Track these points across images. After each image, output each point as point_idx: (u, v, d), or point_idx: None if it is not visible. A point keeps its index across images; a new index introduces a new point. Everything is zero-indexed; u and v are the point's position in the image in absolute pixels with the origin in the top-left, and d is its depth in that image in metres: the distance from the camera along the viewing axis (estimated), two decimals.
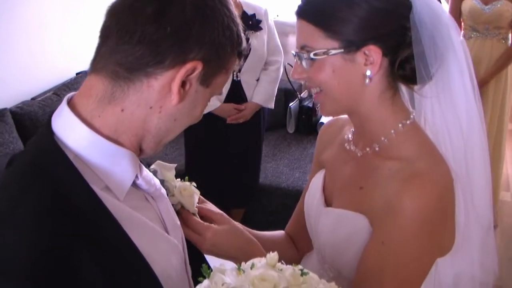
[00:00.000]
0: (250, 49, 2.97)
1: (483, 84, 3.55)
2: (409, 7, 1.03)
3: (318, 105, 1.16)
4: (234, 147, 3.16)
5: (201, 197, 1.15)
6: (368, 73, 1.03)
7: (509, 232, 3.84)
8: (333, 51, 1.02)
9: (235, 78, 3.02)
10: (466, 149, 1.12)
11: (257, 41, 3.01)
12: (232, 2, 0.88)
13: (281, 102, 4.28)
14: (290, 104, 4.22)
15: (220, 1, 0.85)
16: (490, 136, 3.67)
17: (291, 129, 4.27)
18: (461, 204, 1.11)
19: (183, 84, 0.83)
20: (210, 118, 2.87)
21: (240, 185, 3.26)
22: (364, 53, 1.02)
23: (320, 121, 4.19)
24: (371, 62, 1.02)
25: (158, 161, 1.09)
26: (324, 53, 1.02)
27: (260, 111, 3.19)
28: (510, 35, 3.61)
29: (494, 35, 3.57)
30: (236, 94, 3.04)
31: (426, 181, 1.01)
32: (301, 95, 4.33)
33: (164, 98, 0.83)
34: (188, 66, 0.81)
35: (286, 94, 4.29)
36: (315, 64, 1.04)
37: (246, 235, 1.15)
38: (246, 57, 2.98)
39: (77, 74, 3.62)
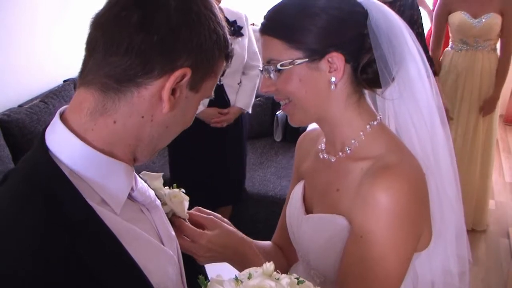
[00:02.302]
0: (233, 54, 2.99)
1: (494, 101, 3.61)
2: (365, 14, 1.09)
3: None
4: (217, 148, 3.20)
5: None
6: (333, 79, 1.08)
7: (494, 239, 3.89)
8: (298, 61, 1.06)
9: (218, 82, 3.03)
10: (432, 141, 1.18)
11: (239, 46, 3.06)
12: (216, 6, 0.88)
13: (268, 111, 4.30)
14: (277, 113, 4.23)
15: (205, 6, 0.85)
16: (479, 144, 3.72)
17: (278, 137, 4.28)
18: (435, 197, 1.15)
19: (173, 91, 0.83)
20: (193, 123, 2.86)
21: (225, 183, 3.28)
22: (328, 61, 1.07)
23: (307, 130, 4.20)
24: (335, 68, 1.07)
25: (144, 172, 1.10)
26: (290, 64, 1.07)
27: (240, 115, 3.24)
28: (498, 45, 3.66)
29: (484, 47, 3.61)
30: (220, 97, 3.08)
31: (397, 172, 1.04)
32: None
33: (155, 107, 0.83)
34: (177, 73, 0.81)
35: (273, 102, 4.29)
36: (282, 76, 1.08)
37: (238, 235, 1.19)
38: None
39: (64, 81, 3.61)
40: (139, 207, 0.93)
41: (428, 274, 1.24)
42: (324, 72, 1.08)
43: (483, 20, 3.50)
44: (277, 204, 3.37)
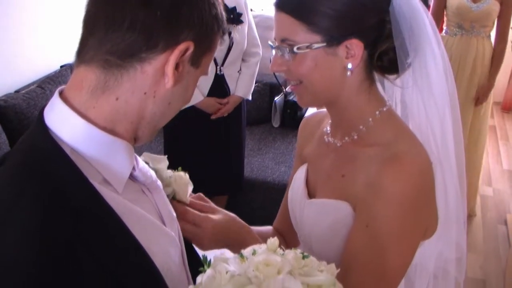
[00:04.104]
0: (233, 42, 2.96)
1: (489, 89, 3.63)
2: (388, 0, 1.05)
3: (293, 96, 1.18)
4: (215, 137, 3.16)
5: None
6: (349, 66, 1.05)
7: (492, 226, 3.90)
8: (316, 45, 1.03)
9: (218, 72, 3.02)
10: (443, 129, 1.16)
11: (239, 34, 3.00)
12: None
13: (266, 97, 4.29)
14: (275, 99, 4.21)
15: None
16: (467, 132, 3.73)
17: (276, 123, 4.27)
18: (441, 186, 1.14)
19: (176, 66, 0.82)
20: (191, 110, 2.85)
21: (222, 172, 3.24)
22: (346, 47, 1.04)
23: (305, 115, 4.20)
24: (352, 55, 1.04)
25: (147, 153, 1.08)
26: (307, 47, 1.03)
27: (241, 103, 3.21)
28: (493, 32, 3.67)
29: (479, 33, 3.62)
30: (220, 87, 3.05)
31: (405, 161, 1.02)
32: (286, 89, 4.33)
33: (158, 83, 0.82)
34: (181, 47, 0.80)
35: (271, 88, 4.29)
36: (296, 57, 1.04)
37: (239, 221, 1.18)
38: (229, 50, 2.97)
39: (61, 67, 3.59)
40: (140, 187, 0.92)
41: (424, 261, 1.23)
42: (340, 57, 1.04)
43: (482, 5, 3.50)
44: (276, 190, 3.39)
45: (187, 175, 1.12)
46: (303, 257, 0.74)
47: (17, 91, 3.21)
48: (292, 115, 4.18)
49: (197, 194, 1.19)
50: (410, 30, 1.05)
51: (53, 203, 0.72)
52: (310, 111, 4.28)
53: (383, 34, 1.06)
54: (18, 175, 0.76)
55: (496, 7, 3.51)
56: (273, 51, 1.10)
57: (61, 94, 0.83)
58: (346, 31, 1.03)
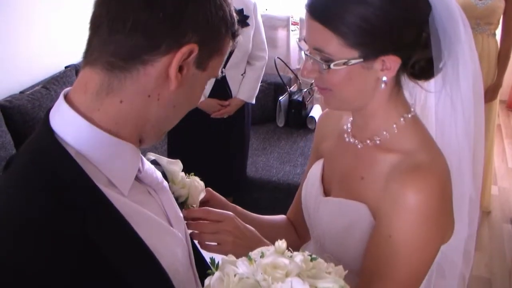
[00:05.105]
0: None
1: (497, 87, 3.62)
2: (427, 11, 1.02)
3: (312, 97, 1.16)
4: (218, 139, 3.16)
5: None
6: (384, 78, 1.03)
7: (497, 225, 3.89)
8: (353, 61, 1.00)
9: (220, 73, 3.01)
10: (467, 135, 1.14)
11: (243, 37, 2.97)
12: None
13: (270, 96, 4.29)
14: (280, 98, 4.21)
15: None
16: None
17: (280, 123, 4.27)
18: (458, 191, 1.12)
19: (180, 68, 0.81)
20: (194, 111, 2.84)
21: (224, 175, 3.22)
22: (382, 60, 1.01)
23: (310, 115, 4.21)
24: (387, 68, 1.02)
25: (161, 157, 1.09)
26: (344, 64, 1.00)
27: (245, 105, 3.19)
28: (499, 30, 3.65)
29: (484, 30, 3.60)
30: (221, 89, 3.03)
31: (428, 173, 1.01)
32: (291, 89, 4.34)
33: (162, 85, 0.81)
34: (184, 49, 0.79)
35: (275, 88, 4.29)
36: (331, 70, 1.02)
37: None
38: (231, 52, 2.96)
39: (66, 67, 3.59)
40: (146, 189, 0.92)
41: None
42: (375, 70, 1.02)
43: (487, 1, 3.49)
44: (280, 189, 3.39)
45: (202, 183, 1.12)
46: (311, 259, 0.74)
47: (21, 92, 3.21)
48: (296, 115, 4.18)
49: (206, 189, 1.19)
50: (448, 41, 1.03)
51: (60, 207, 0.73)
52: (315, 110, 4.29)
53: (419, 44, 1.03)
54: (25, 178, 0.76)
55: (501, 4, 3.49)
56: (302, 54, 1.07)
57: (66, 96, 0.83)
58: (385, 49, 1.00)
